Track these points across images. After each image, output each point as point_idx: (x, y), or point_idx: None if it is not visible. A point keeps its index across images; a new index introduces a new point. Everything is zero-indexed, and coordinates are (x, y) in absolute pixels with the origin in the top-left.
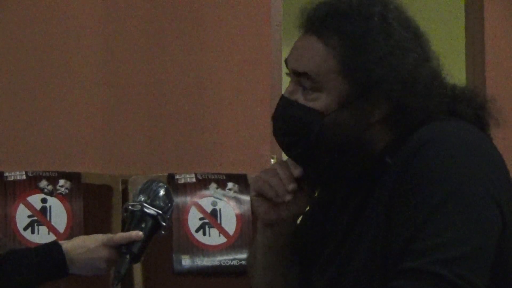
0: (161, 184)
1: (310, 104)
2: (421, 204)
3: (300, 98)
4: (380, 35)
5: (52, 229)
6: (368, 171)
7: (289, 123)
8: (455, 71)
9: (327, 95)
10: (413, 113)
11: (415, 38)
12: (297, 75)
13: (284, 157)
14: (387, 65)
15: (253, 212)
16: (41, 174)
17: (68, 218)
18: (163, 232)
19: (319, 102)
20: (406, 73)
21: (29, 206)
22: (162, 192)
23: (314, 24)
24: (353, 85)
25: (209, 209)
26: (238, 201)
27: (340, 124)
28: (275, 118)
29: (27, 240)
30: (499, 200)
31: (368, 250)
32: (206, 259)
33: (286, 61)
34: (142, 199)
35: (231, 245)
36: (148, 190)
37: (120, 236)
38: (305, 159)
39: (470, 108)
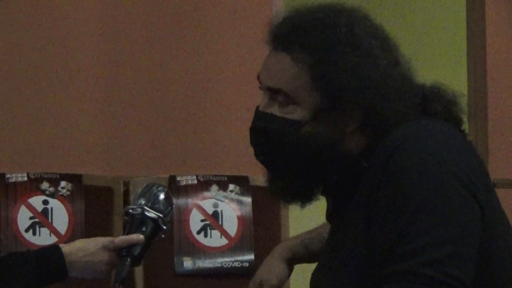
0: (161, 187)
1: (287, 116)
2: (401, 207)
3: (276, 111)
4: (347, 46)
5: (53, 230)
6: (345, 176)
7: (266, 134)
8: (456, 71)
9: (301, 108)
10: (386, 119)
11: (384, 45)
12: (271, 91)
13: None
14: (356, 74)
15: (254, 214)
16: (42, 175)
17: (69, 220)
18: (163, 235)
19: (295, 114)
20: (376, 81)
21: (30, 207)
22: (162, 196)
23: (281, 40)
24: (324, 97)
25: (210, 210)
26: (239, 202)
27: (316, 135)
28: (252, 129)
29: (28, 241)
30: (476, 194)
31: (349, 255)
32: (207, 260)
33: (258, 76)
34: (143, 202)
35: (233, 247)
36: (149, 193)
37: (121, 239)
38: (281, 168)
39: (441, 105)
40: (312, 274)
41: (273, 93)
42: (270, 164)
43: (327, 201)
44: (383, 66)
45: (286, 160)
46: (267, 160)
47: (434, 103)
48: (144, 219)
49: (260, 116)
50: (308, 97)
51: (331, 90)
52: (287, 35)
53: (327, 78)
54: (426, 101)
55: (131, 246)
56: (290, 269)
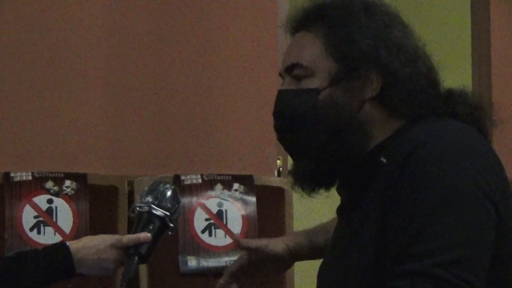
0: (168, 185)
1: (303, 87)
2: (417, 207)
3: (293, 86)
4: (363, 14)
5: (58, 229)
6: (362, 170)
7: (286, 108)
8: (461, 71)
9: (318, 78)
10: (404, 87)
11: (403, 28)
12: (288, 69)
13: (290, 159)
14: (371, 36)
15: (258, 213)
16: (47, 174)
17: (74, 219)
18: (170, 233)
19: (312, 84)
20: (392, 42)
21: (35, 206)
22: (169, 193)
23: (301, 21)
24: (340, 61)
25: (215, 210)
26: (244, 202)
27: (334, 101)
28: (274, 112)
29: (33, 240)
30: (494, 199)
31: (361, 252)
32: (212, 260)
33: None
34: (150, 200)
35: None
36: (156, 191)
37: (128, 238)
38: (301, 144)
39: (465, 109)
40: (320, 268)
41: (290, 71)
42: (291, 144)
43: (341, 196)
44: (399, 31)
45: (306, 133)
46: (287, 140)
47: (459, 105)
48: (151, 217)
49: (279, 95)
50: (323, 64)
51: (346, 52)
52: (307, 15)
53: (339, 41)
54: (451, 102)
55: (138, 244)
56: (290, 259)
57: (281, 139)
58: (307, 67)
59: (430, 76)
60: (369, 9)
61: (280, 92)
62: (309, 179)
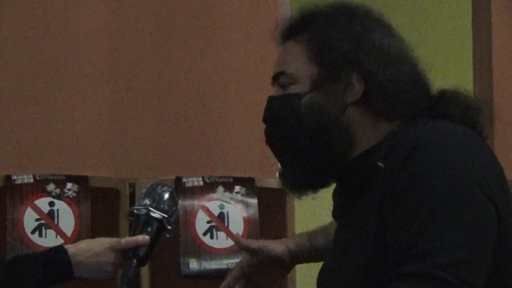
0: (165, 187)
1: (286, 92)
2: (417, 209)
3: (279, 93)
4: (344, 19)
5: (59, 232)
6: (360, 174)
7: (271, 113)
8: (462, 73)
9: (301, 83)
10: (386, 88)
11: (388, 31)
12: (275, 78)
13: None
14: (351, 40)
15: (260, 215)
16: (48, 177)
17: (75, 222)
18: (168, 235)
19: (295, 91)
20: (372, 46)
21: (36, 209)
22: (167, 196)
23: (288, 31)
24: (321, 66)
25: (216, 212)
26: (245, 204)
27: (316, 105)
28: (263, 117)
29: (34, 243)
30: (494, 199)
31: (361, 254)
32: (213, 262)
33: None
34: (148, 202)
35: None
36: (153, 193)
37: (127, 240)
38: (285, 147)
39: (459, 109)
40: (319, 273)
41: (277, 80)
42: (277, 148)
43: (334, 200)
44: (380, 35)
45: (289, 137)
46: (273, 144)
47: (451, 106)
48: (149, 219)
49: (267, 102)
50: (305, 70)
51: (322, 57)
52: (292, 25)
53: (319, 46)
54: (443, 103)
55: (136, 246)
56: (290, 261)
57: (268, 142)
58: (290, 74)
59: (414, 78)
60: (350, 15)
61: (268, 99)
62: (296, 182)
